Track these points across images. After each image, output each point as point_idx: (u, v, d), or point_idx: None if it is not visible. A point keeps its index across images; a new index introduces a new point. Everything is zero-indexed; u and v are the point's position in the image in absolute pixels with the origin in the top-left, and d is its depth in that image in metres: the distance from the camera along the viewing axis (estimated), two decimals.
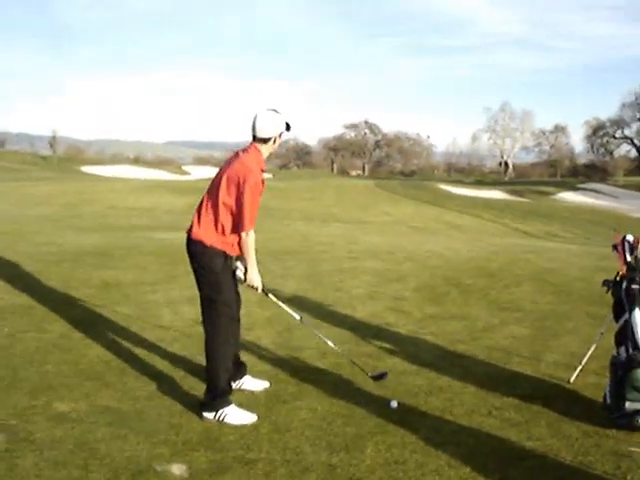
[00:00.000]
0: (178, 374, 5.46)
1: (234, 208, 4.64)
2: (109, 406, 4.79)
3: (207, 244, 4.69)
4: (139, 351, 6.00)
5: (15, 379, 5.22)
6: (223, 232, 4.69)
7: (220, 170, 4.82)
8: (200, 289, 4.82)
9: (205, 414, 4.63)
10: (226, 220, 4.68)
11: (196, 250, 4.77)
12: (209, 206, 4.75)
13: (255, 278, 4.87)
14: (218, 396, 4.67)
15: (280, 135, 4.82)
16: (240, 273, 4.86)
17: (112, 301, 7.71)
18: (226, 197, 4.66)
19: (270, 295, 5.16)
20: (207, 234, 4.70)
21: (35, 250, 10.82)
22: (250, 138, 4.80)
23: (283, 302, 5.40)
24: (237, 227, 4.66)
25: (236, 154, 4.84)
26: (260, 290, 4.95)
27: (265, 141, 4.76)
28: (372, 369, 5.56)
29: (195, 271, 4.83)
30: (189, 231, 4.80)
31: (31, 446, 4.12)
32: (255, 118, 4.74)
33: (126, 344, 6.19)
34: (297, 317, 5.37)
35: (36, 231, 14.67)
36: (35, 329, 6.56)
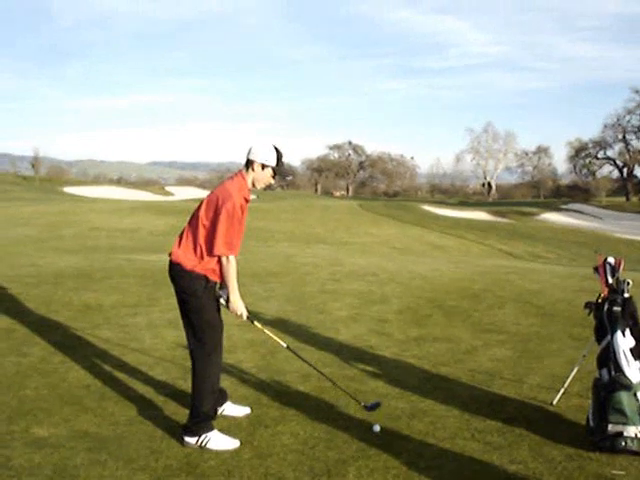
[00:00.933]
0: (159, 399, 5.41)
1: (210, 230, 4.62)
2: (88, 431, 4.74)
3: (187, 268, 4.66)
4: (119, 375, 5.94)
5: None
6: (202, 256, 4.66)
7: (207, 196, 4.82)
8: (182, 313, 4.77)
9: (187, 439, 4.57)
10: (203, 243, 4.65)
11: (176, 273, 4.74)
12: (190, 230, 4.73)
13: (238, 306, 4.82)
14: (202, 420, 4.62)
15: (263, 167, 4.72)
16: (223, 301, 4.83)
17: (93, 324, 7.63)
18: (205, 220, 4.64)
19: (255, 322, 5.13)
20: (187, 258, 4.68)
21: (15, 272, 10.71)
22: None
23: (268, 329, 5.36)
24: (211, 250, 4.62)
25: (223, 181, 4.84)
26: (245, 317, 4.91)
27: (249, 164, 4.74)
28: (354, 392, 5.53)
29: (177, 295, 4.79)
30: (170, 254, 4.78)
31: (9, 472, 4.07)
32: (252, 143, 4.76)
33: (106, 368, 6.12)
34: (283, 345, 5.33)
35: (17, 252, 14.55)
36: (14, 353, 6.48)
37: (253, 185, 4.79)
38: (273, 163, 4.74)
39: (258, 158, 4.71)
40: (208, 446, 4.51)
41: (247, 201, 4.76)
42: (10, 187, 59.31)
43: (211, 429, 4.61)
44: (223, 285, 4.80)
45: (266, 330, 5.28)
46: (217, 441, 4.54)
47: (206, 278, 4.68)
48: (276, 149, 4.76)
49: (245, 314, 4.87)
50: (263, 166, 4.72)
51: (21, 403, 5.21)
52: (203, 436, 4.55)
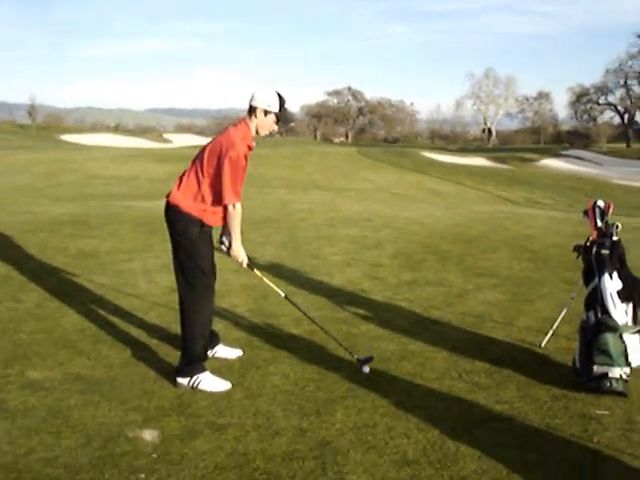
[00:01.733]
0: (152, 342, 5.48)
1: (215, 179, 4.60)
2: (82, 374, 4.81)
3: (183, 210, 4.68)
4: (114, 319, 6.01)
5: None
6: (202, 200, 4.66)
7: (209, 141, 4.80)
8: (175, 255, 4.80)
9: (179, 380, 4.65)
10: (205, 189, 4.65)
11: (172, 215, 4.76)
12: (191, 174, 4.73)
13: (239, 253, 4.86)
14: (193, 362, 4.69)
15: (266, 114, 4.67)
16: (224, 247, 4.86)
17: (88, 270, 7.68)
18: (207, 167, 4.63)
19: (255, 270, 5.16)
20: (185, 200, 4.69)
21: (12, 219, 10.74)
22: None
23: (265, 274, 5.40)
24: (218, 198, 4.62)
25: (226, 128, 4.82)
26: (245, 265, 4.95)
27: (252, 111, 4.68)
28: (346, 335, 5.62)
29: (171, 237, 4.82)
30: (168, 195, 4.79)
31: (4, 414, 4.15)
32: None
33: (101, 313, 6.19)
34: (281, 293, 5.35)
35: (13, 200, 14.57)
36: (10, 299, 6.54)
37: (257, 132, 4.75)
38: (276, 109, 4.68)
39: (261, 104, 4.66)
40: (200, 387, 4.59)
41: (250, 149, 4.73)
42: (7, 135, 58.91)
43: (203, 370, 4.68)
44: (225, 232, 4.83)
45: (265, 278, 5.32)
46: (209, 382, 4.62)
47: (201, 222, 4.70)
48: (279, 95, 4.70)
49: (246, 261, 4.92)
50: (266, 112, 4.67)
51: (16, 347, 5.28)
52: (195, 377, 4.62)
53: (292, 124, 5.03)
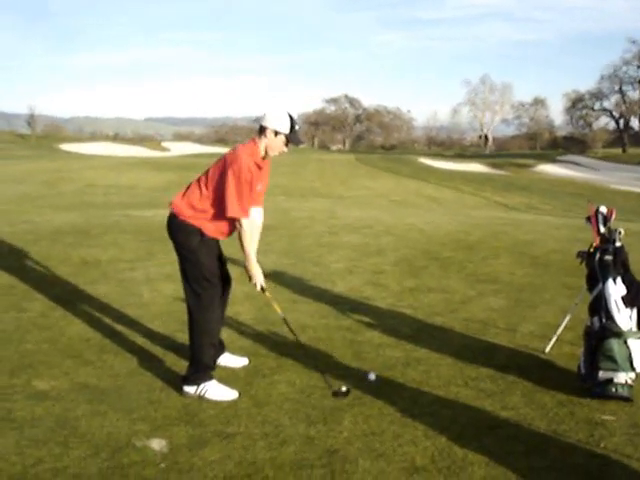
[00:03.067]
0: (158, 351, 5.49)
1: (217, 191, 4.61)
2: (89, 383, 4.82)
3: (181, 218, 4.70)
4: (119, 328, 6.02)
5: None
6: (203, 211, 4.67)
7: None
8: (180, 264, 4.81)
9: (186, 388, 4.66)
10: (206, 201, 4.66)
11: (173, 224, 4.78)
12: (195, 185, 4.75)
13: (253, 274, 4.84)
14: (201, 370, 4.69)
15: (276, 134, 4.64)
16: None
17: (91, 279, 7.69)
18: (211, 179, 4.65)
19: (267, 293, 5.07)
20: (186, 210, 4.70)
21: (13, 229, 10.73)
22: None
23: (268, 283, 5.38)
24: (220, 211, 4.62)
25: (235, 146, 4.86)
26: (258, 287, 4.92)
27: (262, 131, 4.66)
28: (350, 342, 5.63)
29: (175, 247, 4.83)
30: (171, 203, 4.81)
31: (12, 424, 4.15)
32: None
33: (105, 322, 6.20)
34: (281, 315, 5.24)
35: (14, 210, 14.58)
36: (14, 308, 6.55)
37: (266, 152, 4.72)
38: (286, 130, 4.65)
39: (271, 125, 4.63)
40: (206, 396, 4.60)
41: (260, 167, 4.70)
42: (6, 145, 58.93)
43: (209, 379, 4.69)
44: None
45: (274, 303, 5.24)
46: (215, 391, 4.63)
47: (200, 232, 4.69)
48: (290, 116, 4.68)
49: (260, 283, 4.88)
50: (276, 133, 4.64)
51: (22, 357, 5.28)
52: (202, 386, 4.63)
53: (302, 144, 5.00)
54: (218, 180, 4.59)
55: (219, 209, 4.63)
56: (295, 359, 5.30)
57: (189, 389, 4.64)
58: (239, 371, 5.08)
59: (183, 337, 5.60)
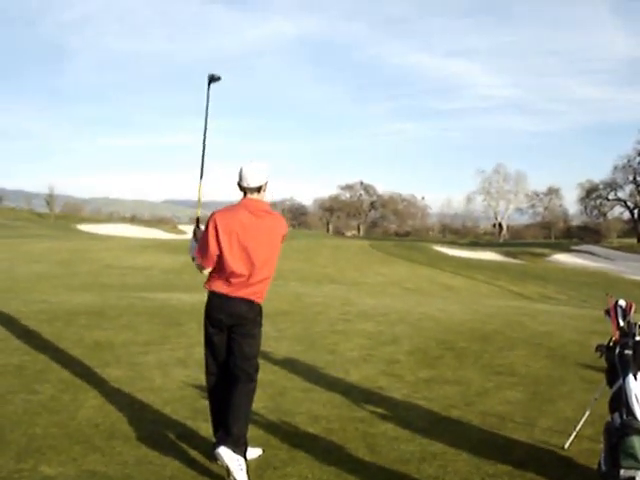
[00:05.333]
0: (167, 439, 5.38)
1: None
2: (96, 471, 4.71)
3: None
4: (129, 414, 5.92)
5: (2, 441, 5.15)
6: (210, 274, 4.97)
7: None
8: None
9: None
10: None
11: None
12: None
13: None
14: None
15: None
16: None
17: (103, 362, 7.64)
18: None
19: None
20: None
21: (28, 308, 10.76)
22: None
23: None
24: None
25: None
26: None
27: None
28: (364, 435, 5.51)
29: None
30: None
31: None
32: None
33: (116, 407, 6.11)
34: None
35: (30, 289, 14.66)
36: (25, 390, 6.49)
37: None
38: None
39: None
40: None
41: (238, 221, 4.83)
42: (25, 224, 59.83)
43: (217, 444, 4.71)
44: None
45: None
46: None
47: (209, 295, 4.95)
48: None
49: None
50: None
51: (30, 441, 5.20)
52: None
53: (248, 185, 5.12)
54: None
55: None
56: (307, 451, 5.17)
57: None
58: (250, 462, 4.94)
59: (194, 424, 5.53)
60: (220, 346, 4.95)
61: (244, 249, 4.79)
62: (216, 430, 4.96)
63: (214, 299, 4.91)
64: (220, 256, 4.80)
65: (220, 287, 4.87)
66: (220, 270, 4.85)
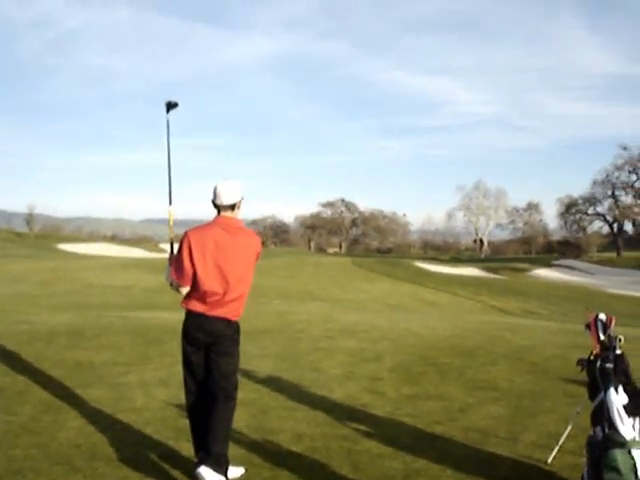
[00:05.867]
0: (150, 459, 5.33)
1: None
2: None
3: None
4: (110, 435, 5.87)
5: None
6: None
7: None
8: None
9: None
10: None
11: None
12: None
13: None
14: None
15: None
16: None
17: (84, 382, 7.58)
18: None
19: None
20: None
21: (8, 329, 10.67)
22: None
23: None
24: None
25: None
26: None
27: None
28: (348, 452, 5.49)
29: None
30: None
31: None
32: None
33: (97, 427, 6.05)
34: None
35: (10, 309, 14.51)
36: (4, 411, 6.42)
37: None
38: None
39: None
40: None
41: (211, 239, 4.84)
42: (3, 244, 59.27)
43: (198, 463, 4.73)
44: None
45: None
46: None
47: (187, 314, 4.95)
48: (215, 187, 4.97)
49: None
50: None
51: (10, 462, 5.13)
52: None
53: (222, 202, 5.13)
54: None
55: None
56: (291, 470, 5.13)
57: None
58: None
59: (176, 444, 5.49)
60: (198, 365, 4.96)
61: (218, 267, 4.80)
62: (197, 449, 4.93)
63: (191, 318, 4.93)
64: (194, 274, 4.80)
65: (196, 306, 4.88)
66: (195, 289, 4.85)
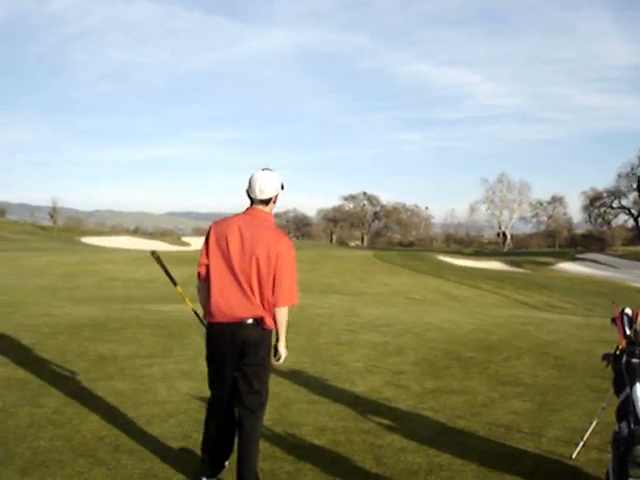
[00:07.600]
0: (172, 452, 5.35)
1: None
2: None
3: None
4: (133, 427, 5.89)
5: (6, 455, 5.12)
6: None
7: None
8: None
9: None
10: None
11: None
12: None
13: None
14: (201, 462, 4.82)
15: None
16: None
17: (107, 375, 7.62)
18: None
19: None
20: None
21: (32, 322, 10.75)
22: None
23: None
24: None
25: None
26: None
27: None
28: (371, 446, 5.47)
29: None
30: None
31: None
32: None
33: (120, 420, 6.08)
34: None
35: (33, 302, 14.64)
36: (29, 404, 6.46)
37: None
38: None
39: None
40: None
41: (226, 226, 4.58)
42: (28, 237, 59.91)
43: (201, 474, 4.70)
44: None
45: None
46: None
47: (207, 325, 4.77)
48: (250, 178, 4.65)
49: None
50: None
51: (35, 454, 5.17)
52: None
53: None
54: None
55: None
56: (314, 463, 5.13)
57: None
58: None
59: (198, 437, 5.47)
60: (228, 375, 4.74)
61: (236, 259, 4.50)
62: (205, 454, 4.86)
63: (211, 327, 4.68)
64: (208, 271, 4.56)
65: (215, 313, 4.60)
66: (212, 289, 4.56)
